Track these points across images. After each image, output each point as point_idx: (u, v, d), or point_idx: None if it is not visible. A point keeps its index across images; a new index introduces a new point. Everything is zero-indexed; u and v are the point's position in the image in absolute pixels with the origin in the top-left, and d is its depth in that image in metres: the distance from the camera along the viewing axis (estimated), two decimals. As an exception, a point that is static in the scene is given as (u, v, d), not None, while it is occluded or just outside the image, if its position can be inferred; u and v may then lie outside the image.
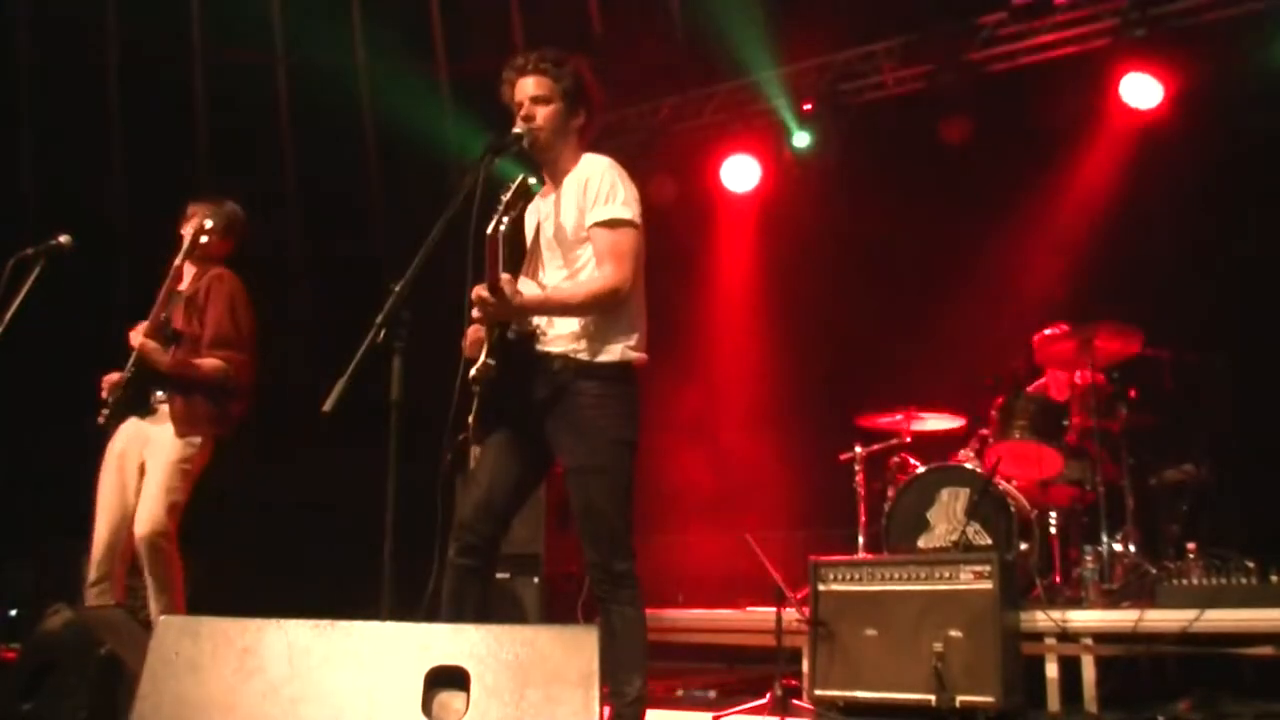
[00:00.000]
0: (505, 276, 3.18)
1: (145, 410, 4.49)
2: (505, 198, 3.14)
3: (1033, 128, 6.84)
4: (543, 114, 3.42)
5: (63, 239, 4.07)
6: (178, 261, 4.53)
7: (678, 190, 7.81)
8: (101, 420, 4.47)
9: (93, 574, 4.35)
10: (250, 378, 4.63)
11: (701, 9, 7.79)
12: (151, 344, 4.40)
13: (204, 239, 4.53)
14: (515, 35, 8.01)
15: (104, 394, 4.50)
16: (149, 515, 4.32)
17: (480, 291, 3.17)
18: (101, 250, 7.37)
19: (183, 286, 4.63)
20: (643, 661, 3.24)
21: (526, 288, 3.33)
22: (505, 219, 3.14)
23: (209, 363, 4.48)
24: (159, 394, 4.49)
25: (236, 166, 8.30)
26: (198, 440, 4.47)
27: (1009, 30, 7.12)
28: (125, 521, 4.40)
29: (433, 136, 8.20)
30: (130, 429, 4.52)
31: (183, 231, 4.64)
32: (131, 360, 4.43)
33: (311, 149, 8.51)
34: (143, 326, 4.47)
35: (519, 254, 3.64)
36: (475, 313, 3.24)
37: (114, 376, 4.51)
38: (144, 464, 4.46)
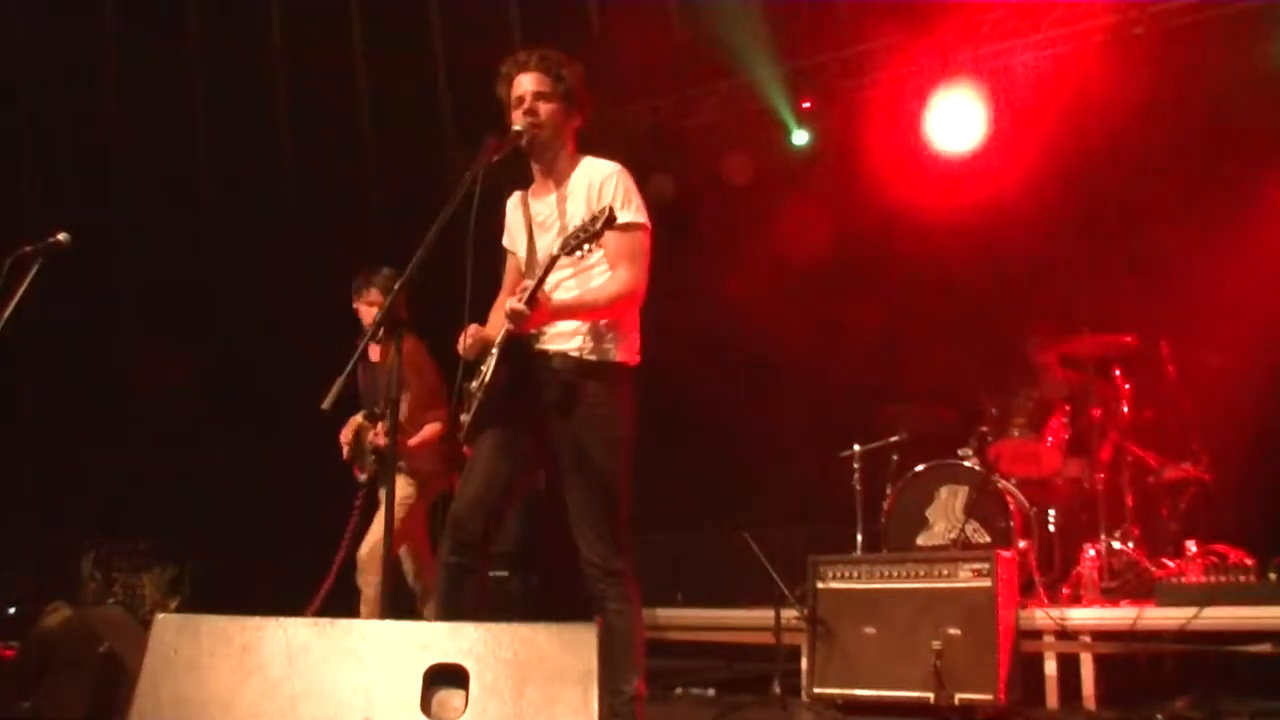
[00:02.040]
0: (544, 290, 3.19)
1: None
2: (594, 226, 3.12)
3: (1030, 124, 6.83)
4: (545, 110, 3.41)
5: (61, 237, 4.06)
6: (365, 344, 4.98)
7: (676, 188, 7.80)
8: (363, 478, 5.24)
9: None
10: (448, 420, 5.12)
11: (700, 7, 7.79)
12: (386, 443, 4.95)
13: (358, 302, 5.23)
14: (514, 33, 8.00)
15: (348, 455, 5.25)
16: (369, 536, 5.03)
17: (515, 304, 3.16)
18: (100, 250, 7.37)
19: (374, 359, 5.22)
20: (640, 659, 3.25)
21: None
22: (587, 246, 3.15)
23: (428, 430, 5.09)
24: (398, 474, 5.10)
25: (236, 165, 8.31)
26: (420, 482, 5.13)
27: (1008, 28, 7.11)
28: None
29: (432, 133, 8.19)
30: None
31: (361, 315, 5.24)
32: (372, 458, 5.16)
33: (311, 147, 8.51)
34: (357, 421, 5.20)
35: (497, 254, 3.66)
36: (508, 323, 3.22)
37: (350, 436, 5.21)
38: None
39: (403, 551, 5.20)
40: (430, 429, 5.12)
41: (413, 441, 5.08)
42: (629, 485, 3.32)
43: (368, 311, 5.20)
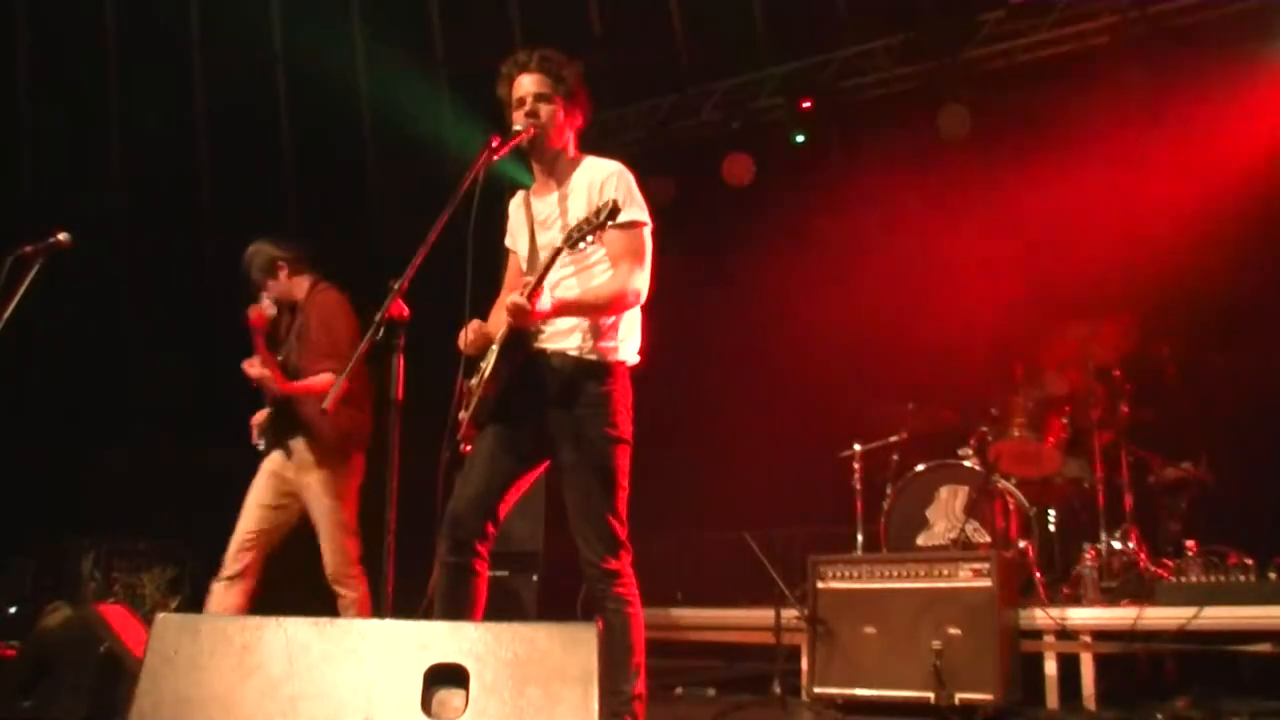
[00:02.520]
0: (541, 287, 3.20)
1: (288, 452, 4.66)
2: (598, 219, 3.12)
3: (1031, 125, 6.84)
4: (546, 111, 3.42)
5: (61, 236, 4.06)
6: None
7: (677, 188, 7.81)
8: (261, 448, 4.74)
9: (225, 570, 4.62)
10: (363, 383, 4.65)
11: (700, 7, 7.80)
12: (266, 373, 4.53)
13: (266, 291, 4.74)
14: (514, 35, 8.01)
15: (255, 435, 4.75)
16: (330, 559, 4.62)
17: (517, 300, 3.17)
18: (98, 249, 7.38)
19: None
20: (640, 659, 3.24)
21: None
22: (589, 238, 3.15)
23: (318, 379, 4.53)
24: (295, 441, 4.64)
25: (237, 165, 8.31)
26: (342, 468, 4.63)
27: (1008, 28, 7.12)
28: (260, 532, 4.66)
29: (432, 133, 8.21)
30: (280, 458, 4.70)
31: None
32: (269, 400, 4.68)
33: (311, 147, 8.52)
34: (256, 360, 4.61)
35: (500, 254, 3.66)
36: (508, 320, 3.22)
37: (261, 417, 4.74)
38: (304, 501, 4.67)
39: (335, 574, 4.62)
40: (319, 377, 4.52)
41: (297, 385, 4.55)
42: (628, 484, 3.32)
43: (274, 287, 4.79)
